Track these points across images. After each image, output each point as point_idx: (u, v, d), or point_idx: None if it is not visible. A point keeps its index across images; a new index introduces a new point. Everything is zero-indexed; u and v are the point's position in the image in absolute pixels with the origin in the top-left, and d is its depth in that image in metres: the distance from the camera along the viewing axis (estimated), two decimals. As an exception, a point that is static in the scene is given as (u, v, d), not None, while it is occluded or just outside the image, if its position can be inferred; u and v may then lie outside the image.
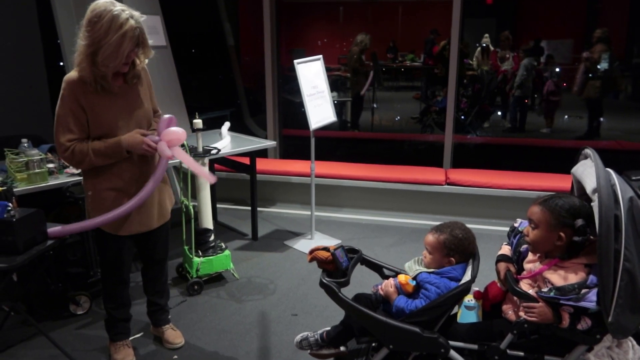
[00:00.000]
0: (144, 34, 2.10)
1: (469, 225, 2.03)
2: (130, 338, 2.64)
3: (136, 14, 2.07)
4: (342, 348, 2.10)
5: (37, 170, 2.80)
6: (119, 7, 2.03)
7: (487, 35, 7.26)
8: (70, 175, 2.97)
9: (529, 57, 6.60)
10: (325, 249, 1.99)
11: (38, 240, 2.14)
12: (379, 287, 2.05)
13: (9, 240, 1.99)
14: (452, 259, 1.94)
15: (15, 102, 4.86)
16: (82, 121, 2.11)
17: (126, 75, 2.20)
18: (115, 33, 1.99)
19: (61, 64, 4.61)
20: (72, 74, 2.11)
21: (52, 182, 2.87)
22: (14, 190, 2.49)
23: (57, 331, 2.78)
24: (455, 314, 1.96)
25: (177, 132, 2.24)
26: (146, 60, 2.26)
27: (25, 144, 2.87)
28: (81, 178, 2.84)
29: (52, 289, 2.91)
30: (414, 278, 1.96)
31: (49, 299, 2.95)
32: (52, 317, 2.91)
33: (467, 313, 1.94)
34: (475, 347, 1.82)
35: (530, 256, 1.87)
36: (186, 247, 3.29)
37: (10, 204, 2.07)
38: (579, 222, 1.68)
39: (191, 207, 3.16)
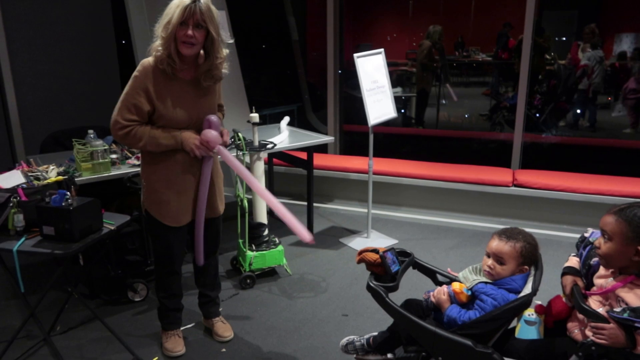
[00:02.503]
0: (205, 17, 2.09)
1: (536, 231, 1.89)
2: (182, 328, 2.68)
3: (205, 0, 2.10)
4: (389, 355, 2.01)
5: (100, 161, 2.90)
6: None
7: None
8: (131, 167, 3.06)
9: (594, 51, 6.13)
10: (375, 250, 1.90)
11: (94, 229, 2.20)
12: (431, 294, 1.93)
13: (66, 228, 2.06)
14: (526, 267, 1.80)
15: (89, 96, 5.15)
16: (143, 108, 2.14)
17: (198, 70, 2.23)
18: (171, 7, 2.08)
19: (134, 60, 4.81)
20: (149, 59, 2.17)
21: (115, 172, 2.96)
22: (76, 179, 2.58)
23: (115, 316, 2.88)
24: (514, 329, 1.80)
25: (212, 135, 2.22)
26: (222, 56, 2.24)
27: (92, 135, 2.98)
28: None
29: (112, 275, 3.02)
30: (470, 288, 1.82)
31: (109, 284, 3.07)
32: (111, 302, 3.01)
33: (527, 328, 1.78)
34: (534, 366, 1.67)
35: (601, 271, 1.67)
36: (240, 241, 3.30)
37: (68, 193, 2.14)
38: (662, 236, 1.48)
39: (246, 201, 3.16)
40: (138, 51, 4.35)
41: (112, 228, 2.27)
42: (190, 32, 2.08)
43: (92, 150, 2.87)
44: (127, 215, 2.52)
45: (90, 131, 2.99)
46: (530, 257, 1.79)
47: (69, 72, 5.01)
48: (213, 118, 2.24)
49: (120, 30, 5.41)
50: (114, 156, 3.05)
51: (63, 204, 2.08)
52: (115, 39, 5.48)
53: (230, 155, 2.24)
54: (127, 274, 3.05)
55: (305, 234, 2.03)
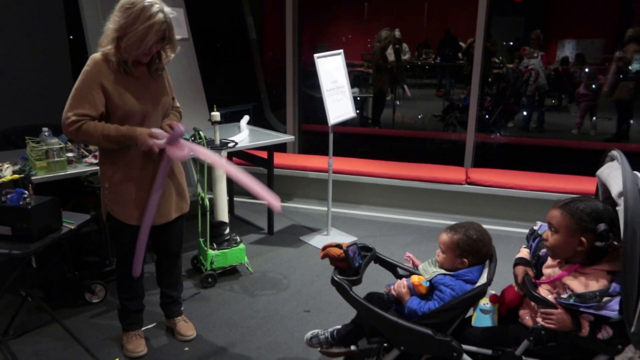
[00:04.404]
0: (171, 30, 2.11)
1: (488, 226, 1.97)
2: (143, 328, 2.65)
3: (167, 9, 2.09)
4: (352, 347, 2.07)
5: (56, 159, 2.82)
6: None
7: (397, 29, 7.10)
8: (88, 165, 2.99)
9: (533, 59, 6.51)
10: (338, 246, 1.96)
11: (53, 228, 2.15)
12: (392, 287, 2.00)
13: (24, 227, 2.01)
14: (465, 260, 1.89)
15: (40, 93, 4.97)
16: (96, 101, 2.09)
17: (150, 67, 2.22)
18: (143, 24, 2.01)
19: (86, 56, 4.68)
20: (97, 54, 2.13)
21: (71, 171, 2.89)
22: (32, 178, 2.51)
23: (72, 319, 2.81)
24: (470, 317, 1.90)
25: (180, 153, 2.19)
26: (172, 55, 2.26)
27: (46, 133, 2.90)
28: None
29: (69, 276, 2.94)
30: (429, 280, 1.91)
31: (65, 286, 2.99)
32: (68, 304, 2.94)
33: (483, 317, 1.88)
34: (489, 352, 1.77)
35: (549, 261, 1.80)
36: (201, 240, 3.29)
37: (26, 192, 2.09)
38: (602, 226, 1.60)
39: (207, 200, 3.15)
40: (91, 46, 4.24)
41: (72, 227, 2.23)
42: (154, 49, 2.11)
43: (47, 149, 2.79)
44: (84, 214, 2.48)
45: (45, 129, 2.90)
46: (469, 250, 1.87)
47: (18, 68, 4.81)
48: (181, 128, 2.21)
49: (70, 25, 5.25)
50: (70, 155, 2.97)
51: (21, 203, 2.02)
52: (67, 32, 5.31)
53: (197, 147, 2.26)
54: (84, 275, 2.98)
55: (275, 203, 2.09)
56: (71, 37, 5.39)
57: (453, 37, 8.00)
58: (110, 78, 2.11)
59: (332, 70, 3.70)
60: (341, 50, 3.83)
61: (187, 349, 2.58)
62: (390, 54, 6.64)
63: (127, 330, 2.55)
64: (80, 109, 2.06)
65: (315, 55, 3.55)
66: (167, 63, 2.29)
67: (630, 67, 5.95)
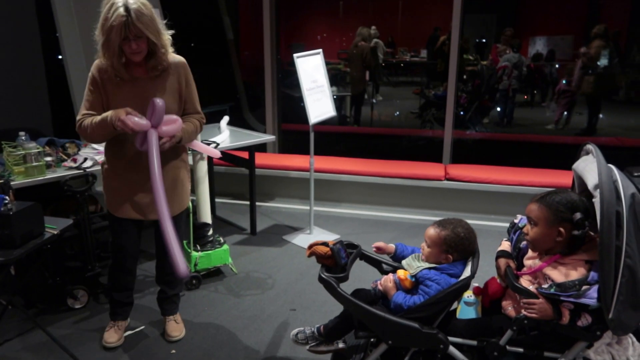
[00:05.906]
0: (138, 22, 2.00)
1: (469, 221, 2.02)
2: (133, 331, 2.65)
3: (131, 1, 2.00)
4: (340, 344, 2.09)
5: (34, 164, 2.78)
6: None
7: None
8: (67, 169, 2.95)
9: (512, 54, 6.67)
10: (324, 244, 1.98)
11: (35, 234, 2.13)
12: (378, 282, 2.04)
13: (6, 234, 1.98)
14: (450, 256, 1.92)
15: (13, 96, 4.85)
16: (96, 102, 2.19)
17: (147, 64, 2.19)
18: (107, 23, 2.00)
19: (59, 57, 4.58)
20: (97, 62, 2.19)
21: (50, 175, 2.85)
22: (11, 183, 2.47)
23: (55, 325, 2.77)
24: (455, 310, 1.95)
25: (173, 126, 2.20)
26: (171, 50, 2.26)
27: (23, 137, 2.85)
28: (79, 172, 2.89)
29: (50, 282, 2.90)
30: (414, 275, 1.95)
31: (47, 292, 2.94)
32: (50, 311, 2.89)
33: (467, 309, 1.93)
34: (474, 343, 1.81)
35: (530, 252, 1.85)
36: (185, 242, 3.27)
37: (7, 197, 2.06)
38: (578, 215, 1.67)
39: (189, 202, 3.14)
40: (65, 45, 4.16)
41: (55, 232, 2.20)
42: (134, 45, 2.07)
43: (25, 153, 2.74)
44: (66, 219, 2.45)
45: (22, 133, 2.85)
46: (455, 247, 1.90)
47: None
48: (158, 101, 2.09)
49: (42, 24, 5.13)
50: (48, 159, 2.92)
51: (2, 209, 1.99)
52: (40, 33, 5.18)
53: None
54: (66, 280, 2.94)
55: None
56: (43, 36, 5.27)
57: (438, 36, 8.07)
58: (105, 85, 2.18)
59: (311, 70, 3.72)
60: (320, 50, 3.85)
61: (174, 351, 2.57)
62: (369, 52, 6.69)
63: (110, 319, 2.60)
64: (84, 110, 2.21)
65: (295, 55, 3.56)
66: (167, 57, 2.22)
67: (598, 63, 6.14)
